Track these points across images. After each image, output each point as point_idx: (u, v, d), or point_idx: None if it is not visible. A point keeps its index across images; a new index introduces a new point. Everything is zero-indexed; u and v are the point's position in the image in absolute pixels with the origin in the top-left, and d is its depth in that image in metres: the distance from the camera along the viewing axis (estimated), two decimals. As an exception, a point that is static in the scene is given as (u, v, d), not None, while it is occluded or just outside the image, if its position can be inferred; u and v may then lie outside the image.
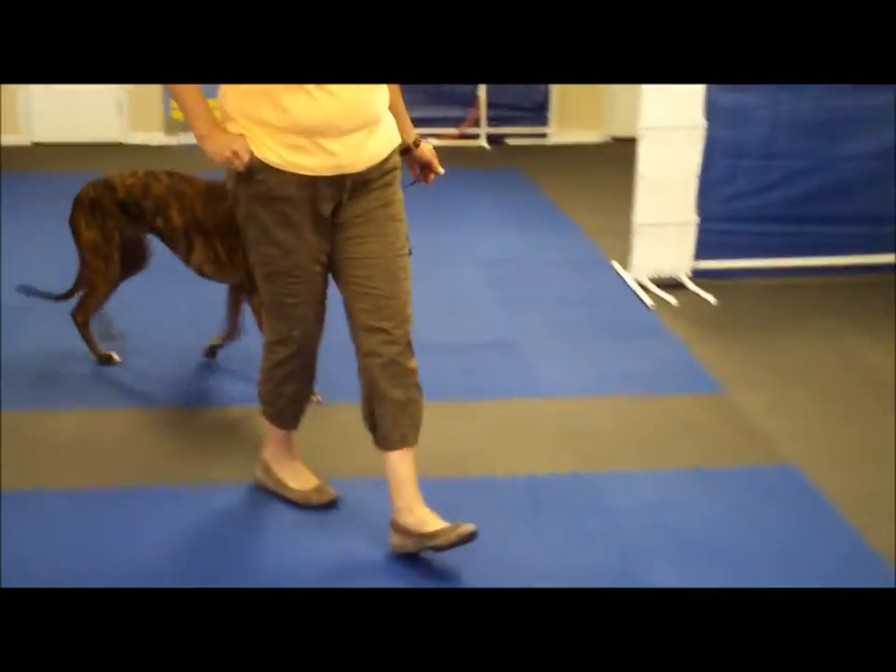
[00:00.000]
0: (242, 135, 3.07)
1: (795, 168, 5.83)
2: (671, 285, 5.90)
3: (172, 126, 9.26)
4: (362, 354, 3.30)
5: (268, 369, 3.52)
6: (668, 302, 5.68)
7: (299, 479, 3.68)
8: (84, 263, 4.52)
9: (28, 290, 4.75)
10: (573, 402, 4.55)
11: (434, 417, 3.63)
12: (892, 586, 3.31)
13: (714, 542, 3.55)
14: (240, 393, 4.46)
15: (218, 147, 3.08)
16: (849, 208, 5.90)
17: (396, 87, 3.33)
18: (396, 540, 3.37)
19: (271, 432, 3.69)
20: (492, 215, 7.35)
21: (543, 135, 9.63)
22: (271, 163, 3.08)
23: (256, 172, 3.10)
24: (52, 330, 4.96)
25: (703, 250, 5.89)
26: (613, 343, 5.22)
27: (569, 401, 4.56)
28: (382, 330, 3.25)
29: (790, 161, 5.81)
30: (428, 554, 3.34)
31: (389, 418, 3.30)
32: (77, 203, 4.41)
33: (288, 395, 3.55)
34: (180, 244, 4.34)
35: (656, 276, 5.90)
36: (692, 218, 5.80)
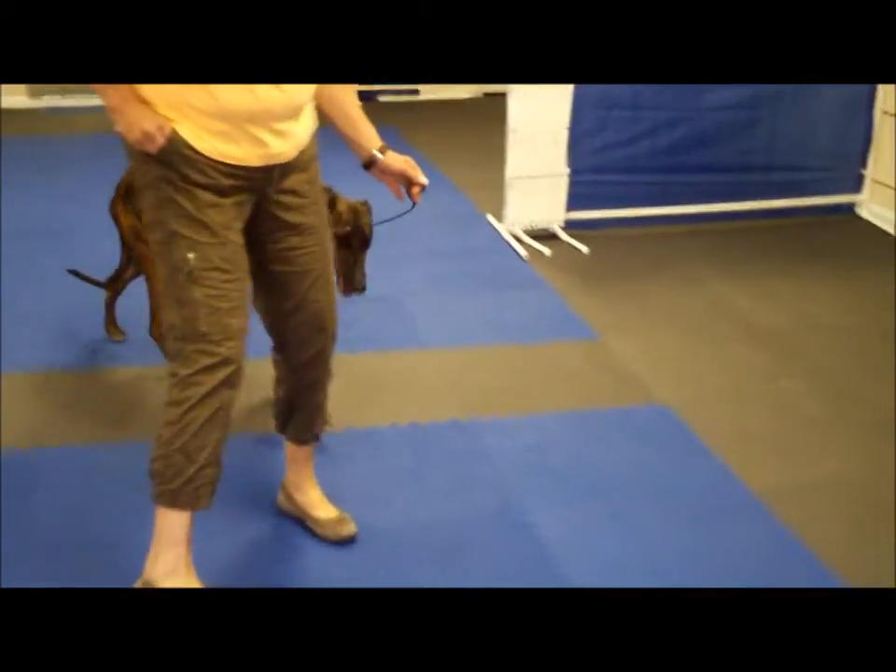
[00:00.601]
0: (160, 114, 2.62)
1: (662, 119, 5.98)
2: (545, 236, 6.02)
3: (35, 88, 8.96)
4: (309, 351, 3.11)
5: (181, 415, 2.74)
6: (542, 253, 5.79)
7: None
8: (131, 250, 4.31)
9: (77, 274, 4.58)
10: (452, 353, 4.64)
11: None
12: (760, 514, 3.48)
13: (590, 481, 3.68)
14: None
15: (133, 122, 2.60)
16: (714, 158, 6.09)
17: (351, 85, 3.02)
18: (282, 501, 3.44)
19: (167, 527, 2.86)
20: (364, 172, 7.35)
21: (415, 91, 9.68)
22: (198, 149, 2.64)
23: (175, 155, 2.64)
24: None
25: (574, 201, 6.00)
26: (490, 294, 5.32)
27: (448, 352, 4.65)
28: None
29: (656, 113, 5.95)
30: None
31: (310, 416, 3.27)
32: (116, 189, 4.19)
33: (211, 448, 2.78)
34: None
35: (530, 228, 6.01)
36: (563, 170, 5.91)
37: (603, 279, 5.53)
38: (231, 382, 2.75)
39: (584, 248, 5.84)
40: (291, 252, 2.92)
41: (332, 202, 3.65)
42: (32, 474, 3.63)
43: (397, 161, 3.07)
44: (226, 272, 2.70)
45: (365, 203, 3.86)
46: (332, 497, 3.39)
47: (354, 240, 3.81)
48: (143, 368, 4.35)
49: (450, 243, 5.99)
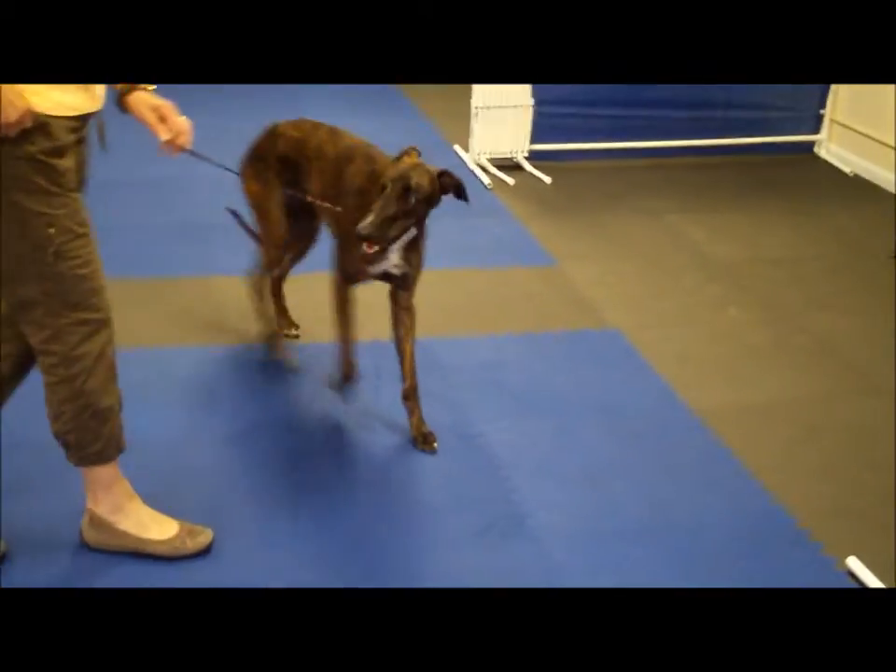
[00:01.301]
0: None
1: (627, 54, 6.07)
2: (509, 166, 6.14)
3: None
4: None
5: (79, 389, 2.71)
6: (506, 182, 5.92)
7: (157, 526, 2.99)
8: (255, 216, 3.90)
9: (235, 214, 4.10)
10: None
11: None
12: (699, 433, 3.66)
13: (539, 398, 3.85)
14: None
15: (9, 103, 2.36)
16: (675, 93, 6.19)
17: None
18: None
19: (96, 478, 2.90)
20: (337, 102, 7.45)
21: (388, 22, 9.71)
22: (44, 110, 2.44)
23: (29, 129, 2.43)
24: None
25: (539, 133, 6.12)
26: (452, 220, 5.35)
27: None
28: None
29: (621, 47, 6.05)
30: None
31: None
32: (247, 150, 3.84)
33: (115, 396, 2.81)
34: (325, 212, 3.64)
35: (495, 158, 6.13)
36: (528, 101, 6.02)
37: (564, 209, 5.67)
38: (110, 335, 2.73)
39: (547, 179, 5.97)
40: None
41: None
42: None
43: (141, 106, 2.74)
44: (82, 236, 2.60)
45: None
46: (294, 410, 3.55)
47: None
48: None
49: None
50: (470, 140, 6.12)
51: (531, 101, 6.02)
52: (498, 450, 3.53)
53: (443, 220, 5.35)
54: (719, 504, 3.31)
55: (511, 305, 4.56)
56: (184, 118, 2.78)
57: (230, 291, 4.37)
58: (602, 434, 3.64)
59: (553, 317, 4.46)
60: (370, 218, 3.04)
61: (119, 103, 2.73)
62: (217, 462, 3.40)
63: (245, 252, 4.03)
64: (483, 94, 5.96)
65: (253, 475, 3.34)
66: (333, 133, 3.73)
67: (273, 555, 3.00)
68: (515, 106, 6.02)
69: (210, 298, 4.45)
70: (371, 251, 3.06)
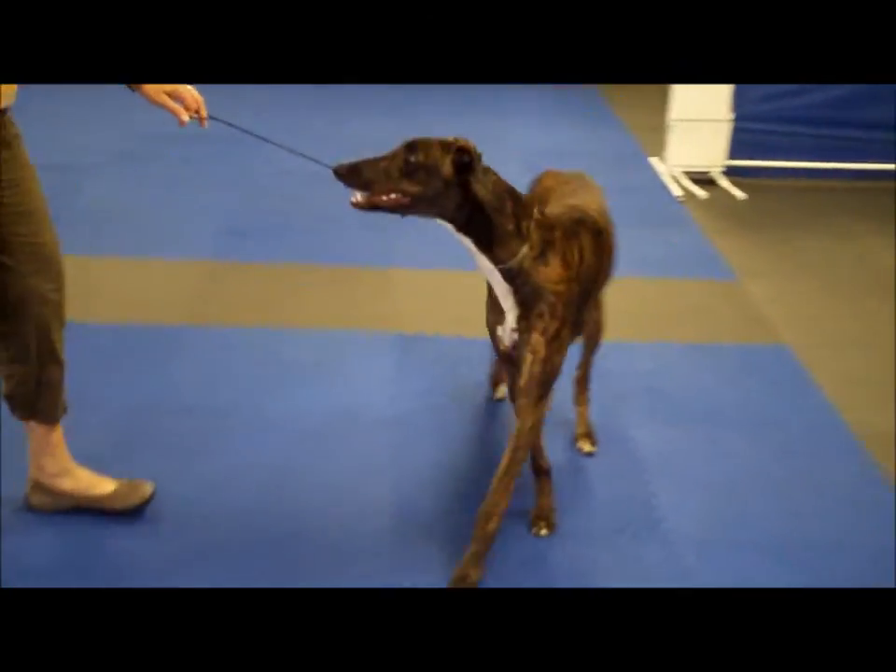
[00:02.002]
0: None
1: (835, 72, 5.94)
2: (703, 180, 6.10)
3: None
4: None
5: (27, 370, 2.88)
6: (697, 195, 5.88)
7: (100, 484, 3.12)
8: None
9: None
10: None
11: (452, 285, 4.05)
12: (856, 456, 3.56)
13: (696, 407, 3.83)
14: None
15: None
16: (883, 115, 6.01)
17: None
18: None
19: (39, 436, 3.04)
20: (543, 112, 7.57)
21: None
22: None
23: None
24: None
25: (736, 148, 6.05)
26: (637, 229, 5.43)
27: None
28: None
29: (829, 65, 5.92)
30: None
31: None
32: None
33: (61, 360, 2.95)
34: None
35: (689, 170, 6.10)
36: (726, 116, 5.96)
37: (753, 225, 5.59)
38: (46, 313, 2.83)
39: (740, 194, 5.90)
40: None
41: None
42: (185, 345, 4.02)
43: (156, 89, 2.78)
44: None
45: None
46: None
47: None
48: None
49: (608, 179, 6.07)
50: (665, 152, 6.10)
51: (730, 115, 5.95)
52: (645, 453, 3.53)
53: (627, 229, 5.40)
54: (863, 527, 3.23)
55: (682, 316, 4.54)
56: (191, 88, 2.84)
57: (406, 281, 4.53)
58: (752, 447, 3.60)
59: (723, 331, 4.42)
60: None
61: (135, 89, 2.77)
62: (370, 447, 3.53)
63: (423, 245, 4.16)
64: (680, 107, 5.94)
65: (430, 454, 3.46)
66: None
67: (409, 551, 3.10)
68: (713, 121, 5.97)
69: (388, 287, 4.62)
70: (354, 201, 2.68)
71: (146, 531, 3.05)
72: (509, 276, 2.74)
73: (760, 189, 6.02)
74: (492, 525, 2.88)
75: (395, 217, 2.74)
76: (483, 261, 2.74)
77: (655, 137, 6.52)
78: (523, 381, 2.83)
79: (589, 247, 2.90)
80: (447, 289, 4.60)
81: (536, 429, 2.93)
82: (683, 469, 3.47)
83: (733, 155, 6.08)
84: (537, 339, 2.78)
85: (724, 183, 6.04)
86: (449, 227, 2.71)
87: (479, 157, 2.65)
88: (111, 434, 3.47)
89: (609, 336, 4.27)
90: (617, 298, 4.62)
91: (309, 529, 3.09)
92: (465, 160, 2.62)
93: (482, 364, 3.85)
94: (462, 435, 3.60)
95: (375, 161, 2.64)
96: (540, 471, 3.18)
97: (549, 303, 2.76)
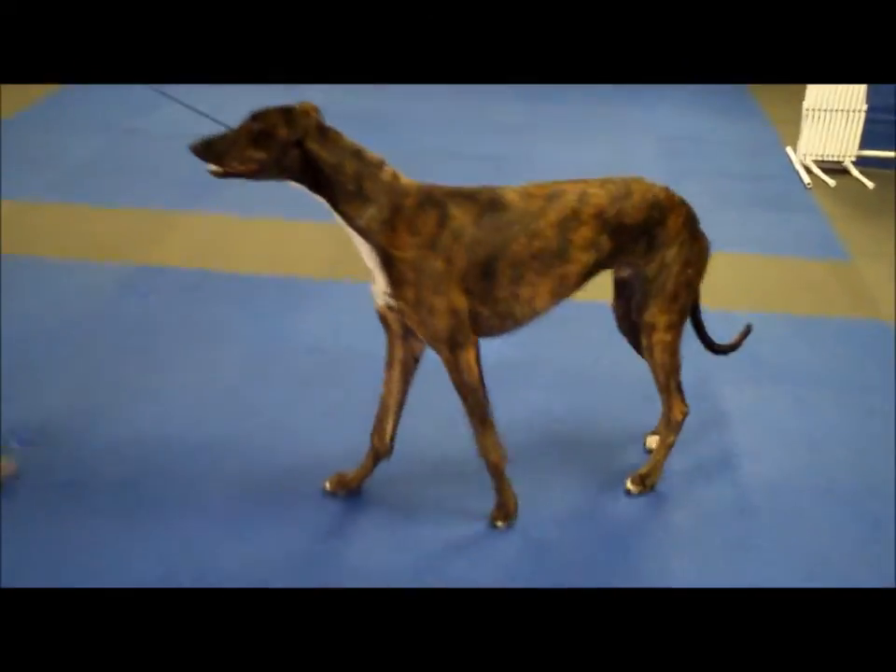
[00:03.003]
0: None
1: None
2: (835, 169, 6.22)
3: None
4: None
5: None
6: (826, 184, 6.01)
7: None
8: None
9: None
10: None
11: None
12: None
13: (788, 371, 4.03)
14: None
15: None
16: None
17: None
18: None
19: None
20: (689, 105, 7.78)
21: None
22: None
23: None
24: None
25: (868, 138, 6.15)
26: (762, 212, 5.64)
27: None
28: None
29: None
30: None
31: None
32: None
33: None
34: None
35: (822, 160, 6.23)
36: (861, 106, 6.07)
37: (877, 213, 5.69)
38: None
39: (870, 184, 6.01)
40: None
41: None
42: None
43: None
44: None
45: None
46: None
47: None
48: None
49: (741, 166, 6.32)
50: (798, 140, 6.24)
51: (864, 106, 6.06)
52: (730, 407, 3.76)
53: (753, 211, 5.63)
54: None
55: (791, 291, 4.72)
56: None
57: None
58: (836, 407, 3.78)
59: (829, 306, 4.58)
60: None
61: None
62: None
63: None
64: (815, 96, 6.08)
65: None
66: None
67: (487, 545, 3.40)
68: (848, 111, 6.09)
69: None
70: (211, 170, 2.80)
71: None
72: (362, 235, 2.86)
73: (889, 180, 6.11)
74: (493, 458, 3.09)
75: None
76: (339, 220, 2.88)
77: (794, 128, 6.67)
78: (424, 340, 2.99)
79: (472, 221, 2.89)
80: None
81: (467, 372, 2.98)
82: (766, 423, 3.68)
83: (865, 145, 6.18)
84: (401, 305, 2.90)
85: (855, 172, 6.15)
86: (303, 188, 2.85)
87: (312, 117, 2.79)
88: (246, 366, 3.89)
89: (719, 305, 4.51)
90: (734, 271, 4.87)
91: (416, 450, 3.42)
92: (300, 122, 2.76)
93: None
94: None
95: (225, 134, 2.79)
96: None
97: (398, 269, 2.85)
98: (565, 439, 3.56)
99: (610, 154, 6.39)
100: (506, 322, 3.02)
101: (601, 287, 3.31)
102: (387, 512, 3.17)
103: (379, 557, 2.98)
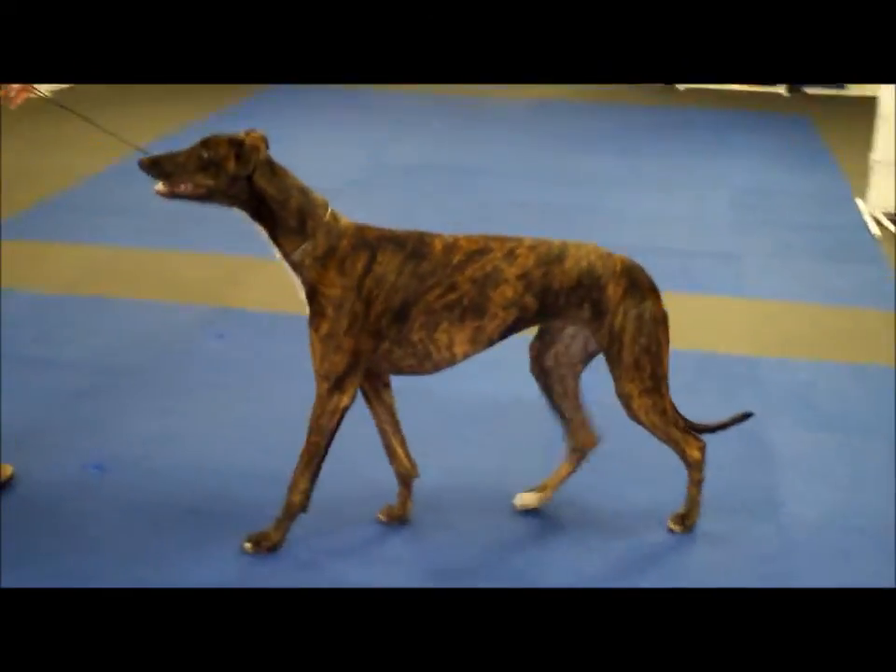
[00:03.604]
0: None
1: None
2: (907, 221, 6.30)
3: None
4: None
5: None
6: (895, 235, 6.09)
7: None
8: None
9: None
10: (768, 303, 5.18)
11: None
12: None
13: (844, 420, 4.10)
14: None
15: None
16: None
17: None
18: None
19: None
20: (758, 150, 7.95)
21: (842, 86, 9.96)
22: None
23: None
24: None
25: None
26: (828, 263, 5.75)
27: (765, 302, 5.18)
28: None
29: None
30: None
31: None
32: None
33: None
34: None
35: (891, 211, 6.30)
36: (930, 159, 6.15)
37: (945, 265, 5.76)
38: None
39: (938, 236, 6.07)
40: None
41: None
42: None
43: None
44: None
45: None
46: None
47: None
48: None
49: (810, 217, 6.43)
50: (868, 191, 6.33)
51: (934, 159, 6.14)
52: (778, 450, 3.85)
53: (819, 262, 5.73)
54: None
55: (849, 340, 4.80)
56: None
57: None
58: (887, 456, 3.82)
59: (886, 355, 4.65)
60: None
61: None
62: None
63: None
64: (884, 148, 6.16)
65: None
66: None
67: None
68: (916, 163, 6.17)
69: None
70: (157, 189, 2.96)
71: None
72: (294, 268, 3.02)
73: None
74: (294, 498, 3.16)
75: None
76: (275, 251, 3.04)
77: (866, 180, 6.74)
78: (315, 371, 3.08)
79: (395, 268, 3.02)
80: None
81: (329, 415, 3.09)
82: (813, 467, 3.77)
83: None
84: (311, 334, 3.04)
85: (925, 225, 6.22)
86: (246, 216, 3.01)
87: (261, 153, 2.94)
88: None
89: (777, 353, 4.63)
90: (794, 319, 4.98)
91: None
92: (250, 157, 2.90)
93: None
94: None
95: (175, 155, 2.92)
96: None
97: (319, 303, 3.00)
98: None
99: (681, 206, 6.56)
100: (424, 363, 3.13)
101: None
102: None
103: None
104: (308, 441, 3.13)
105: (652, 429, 3.26)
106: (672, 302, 4.94)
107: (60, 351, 4.43)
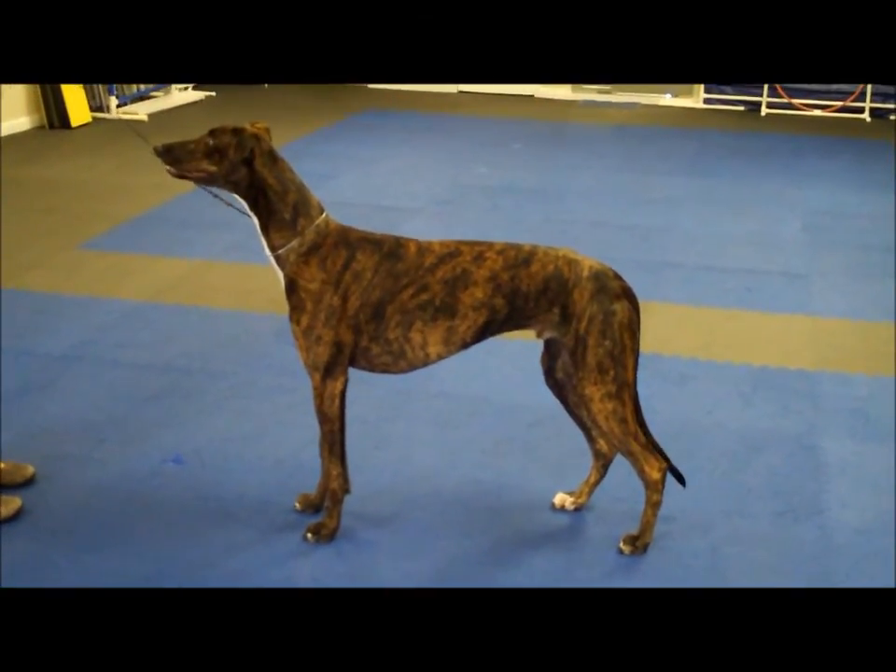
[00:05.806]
0: None
1: None
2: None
3: (576, 86, 10.42)
4: None
5: None
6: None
7: None
8: None
9: None
10: (830, 321, 5.25)
11: (706, 320, 4.68)
12: None
13: (889, 428, 4.18)
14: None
15: None
16: None
17: None
18: None
19: None
20: (837, 175, 7.99)
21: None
22: None
23: None
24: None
25: None
26: (888, 282, 5.80)
27: (827, 320, 5.26)
28: None
29: None
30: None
31: None
32: None
33: None
34: None
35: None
36: None
37: None
38: None
39: None
40: None
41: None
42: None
43: None
44: None
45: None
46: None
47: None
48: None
49: (884, 238, 6.49)
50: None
51: None
52: (828, 459, 3.95)
53: (889, 282, 5.77)
54: None
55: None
56: None
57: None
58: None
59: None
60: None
61: None
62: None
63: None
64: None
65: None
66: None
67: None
68: None
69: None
70: (168, 171, 3.21)
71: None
72: (277, 262, 3.23)
73: None
74: (333, 485, 3.38)
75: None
76: (264, 246, 3.24)
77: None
78: (303, 364, 3.29)
79: (372, 266, 3.20)
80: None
81: (329, 401, 3.31)
82: (861, 476, 3.85)
83: None
84: (293, 328, 3.25)
85: None
86: (244, 205, 3.23)
87: (262, 141, 3.16)
88: (382, 405, 4.29)
89: (837, 368, 4.72)
90: (856, 338, 5.05)
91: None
92: (247, 143, 3.13)
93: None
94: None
95: (187, 143, 3.18)
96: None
97: (299, 297, 3.20)
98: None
99: (753, 227, 6.67)
100: (399, 361, 3.30)
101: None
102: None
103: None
104: (322, 431, 3.35)
105: (611, 436, 3.29)
106: (734, 319, 5.16)
107: (142, 354, 4.71)
